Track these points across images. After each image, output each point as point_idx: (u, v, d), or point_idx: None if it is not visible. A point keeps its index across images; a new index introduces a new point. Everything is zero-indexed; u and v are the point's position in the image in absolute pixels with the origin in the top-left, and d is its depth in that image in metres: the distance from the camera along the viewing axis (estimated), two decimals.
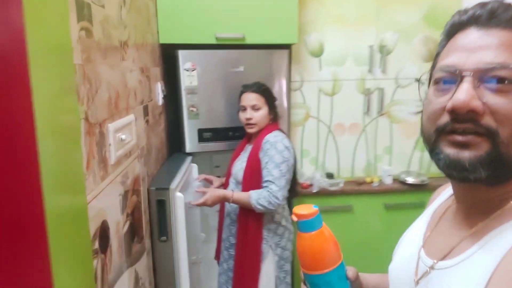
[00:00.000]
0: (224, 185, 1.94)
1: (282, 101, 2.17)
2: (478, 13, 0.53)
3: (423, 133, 0.60)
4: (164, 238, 1.56)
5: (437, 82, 0.56)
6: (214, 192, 1.74)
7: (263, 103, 1.80)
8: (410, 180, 2.42)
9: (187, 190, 1.83)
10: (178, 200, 1.56)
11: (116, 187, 1.12)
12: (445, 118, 0.53)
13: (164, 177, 1.66)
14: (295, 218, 0.67)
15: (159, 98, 1.86)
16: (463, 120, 0.51)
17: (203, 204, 1.72)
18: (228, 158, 2.30)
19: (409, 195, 2.42)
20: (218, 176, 2.07)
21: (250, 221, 1.76)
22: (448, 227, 0.62)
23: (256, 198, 1.68)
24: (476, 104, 0.49)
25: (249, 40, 2.02)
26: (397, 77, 2.40)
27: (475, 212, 0.57)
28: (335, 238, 0.70)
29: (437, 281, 0.57)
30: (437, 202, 0.72)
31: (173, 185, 1.56)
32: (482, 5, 0.53)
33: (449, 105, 0.51)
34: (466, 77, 0.50)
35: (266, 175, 1.70)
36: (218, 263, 1.99)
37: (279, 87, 2.16)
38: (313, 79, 2.36)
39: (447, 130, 0.53)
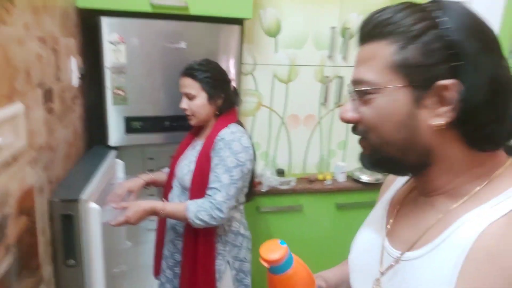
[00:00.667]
0: (166, 189, 1.58)
1: None
2: (358, 27, 0.59)
3: None
4: (72, 261, 1.20)
5: None
6: (138, 206, 1.35)
7: (199, 89, 1.42)
8: (364, 178, 2.25)
9: (108, 194, 1.46)
10: (93, 213, 1.21)
11: None
12: None
13: (75, 183, 1.28)
14: (265, 264, 0.64)
15: (74, 78, 1.45)
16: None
17: (126, 223, 1.34)
18: (164, 152, 1.95)
19: (362, 194, 2.27)
20: (151, 171, 1.69)
21: (201, 235, 1.41)
22: (412, 215, 0.63)
23: (195, 211, 1.34)
24: (347, 116, 0.59)
25: (193, 11, 1.65)
26: None
27: (438, 200, 0.58)
28: (308, 269, 0.69)
29: (406, 272, 0.57)
30: (393, 188, 0.72)
31: (85, 194, 1.19)
32: (365, 16, 0.58)
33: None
34: (349, 93, 0.60)
35: (213, 180, 1.37)
36: (157, 278, 1.64)
37: (228, 70, 1.82)
38: (267, 62, 2.05)
39: None
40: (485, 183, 0.54)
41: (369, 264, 0.66)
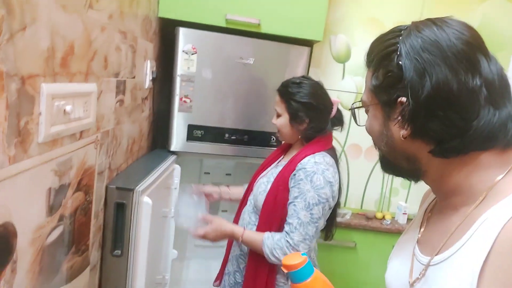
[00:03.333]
0: (241, 203, 1.52)
1: None
2: None
3: None
4: (118, 252, 1.20)
5: None
6: (220, 226, 1.34)
7: (284, 109, 1.35)
8: None
9: (161, 195, 1.48)
10: (145, 207, 1.21)
11: (41, 177, 0.77)
12: None
13: (133, 175, 1.31)
14: (285, 270, 0.69)
15: (146, 79, 1.53)
16: None
17: (203, 238, 1.34)
18: (220, 168, 1.97)
19: None
20: (220, 185, 1.67)
21: (264, 261, 1.31)
22: (438, 222, 0.65)
23: (271, 247, 1.26)
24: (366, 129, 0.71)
25: (265, 29, 1.69)
26: None
27: (458, 203, 0.60)
28: (330, 282, 0.70)
29: (433, 277, 0.59)
30: (427, 202, 0.76)
31: (141, 186, 1.21)
32: None
33: None
34: None
35: (291, 214, 1.26)
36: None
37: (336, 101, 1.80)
38: (333, 88, 2.02)
39: None
40: (500, 178, 0.56)
41: (401, 276, 0.68)
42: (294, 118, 1.35)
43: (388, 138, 0.63)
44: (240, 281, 1.41)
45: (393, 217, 2.14)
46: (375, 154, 2.08)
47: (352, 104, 0.75)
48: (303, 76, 1.41)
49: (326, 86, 1.99)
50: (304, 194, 1.24)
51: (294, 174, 1.28)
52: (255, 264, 1.34)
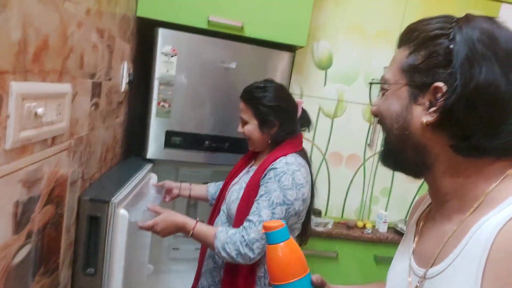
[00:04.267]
0: (213, 212, 1.44)
1: None
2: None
3: None
4: (91, 270, 1.09)
5: None
6: (170, 217, 1.24)
7: (250, 115, 1.31)
8: None
9: (138, 207, 1.37)
10: (121, 220, 1.11)
11: (7, 189, 0.67)
12: None
13: (107, 186, 1.21)
14: (262, 230, 0.73)
15: (123, 82, 1.43)
16: None
17: (151, 229, 1.23)
18: (197, 176, 1.88)
19: None
20: (183, 182, 1.60)
21: (241, 272, 1.24)
22: (431, 231, 0.65)
23: (223, 241, 1.18)
24: (372, 109, 0.68)
25: (248, 32, 1.63)
26: None
27: (452, 211, 0.60)
28: (301, 251, 0.73)
29: None
30: (419, 211, 0.75)
31: (117, 197, 1.11)
32: None
33: None
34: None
35: (253, 211, 1.20)
36: None
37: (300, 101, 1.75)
38: (314, 95, 1.99)
39: None
40: (494, 185, 0.56)
41: (401, 285, 0.67)
42: (264, 123, 1.30)
43: (405, 121, 0.60)
44: None
45: (374, 226, 2.12)
46: (356, 162, 2.08)
47: (372, 79, 0.71)
48: (265, 80, 1.36)
49: (308, 93, 1.98)
50: (269, 193, 1.19)
51: (265, 175, 1.23)
52: (231, 277, 1.26)
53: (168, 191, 1.58)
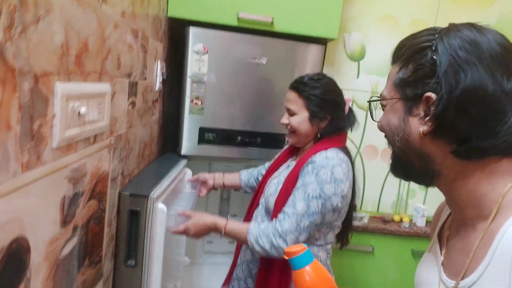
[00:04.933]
0: (252, 205, 1.45)
1: None
2: None
3: None
4: (132, 262, 1.14)
5: None
6: (200, 219, 1.25)
7: (302, 106, 1.27)
8: None
9: (175, 201, 1.41)
10: (159, 214, 1.15)
11: (55, 185, 0.71)
12: None
13: (145, 181, 1.25)
14: (285, 257, 0.71)
15: (157, 81, 1.47)
16: None
17: (183, 233, 1.25)
18: (229, 168, 1.90)
19: None
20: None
21: (277, 266, 1.25)
22: (458, 242, 0.64)
23: (256, 234, 1.18)
24: (378, 125, 0.71)
25: (278, 27, 1.63)
26: None
27: (474, 218, 0.59)
28: (328, 272, 0.71)
29: None
30: (441, 220, 0.74)
31: (155, 192, 1.15)
32: None
33: None
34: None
35: (288, 204, 1.19)
36: None
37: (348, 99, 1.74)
38: (347, 87, 1.96)
39: None
40: (510, 185, 0.56)
41: None
42: (315, 115, 1.27)
43: (404, 133, 0.62)
44: (251, 287, 1.34)
45: (411, 220, 2.07)
46: None
47: (370, 97, 0.74)
48: (318, 73, 1.34)
49: (341, 85, 1.93)
50: (306, 185, 1.17)
51: (303, 168, 1.21)
52: (268, 268, 1.27)
53: (203, 183, 1.61)
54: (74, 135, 0.75)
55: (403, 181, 2.09)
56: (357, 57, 1.94)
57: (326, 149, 1.23)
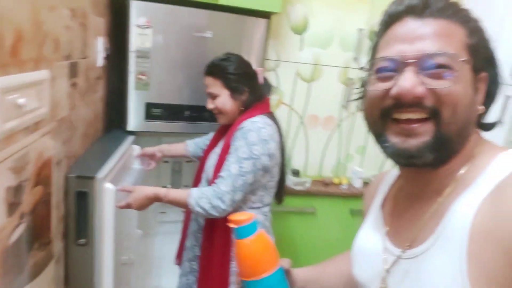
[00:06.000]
0: (195, 182, 1.54)
1: None
2: (414, 3, 0.56)
3: (366, 118, 0.62)
4: (83, 241, 1.17)
5: (379, 71, 0.58)
6: (140, 193, 1.28)
7: (221, 87, 1.38)
8: None
9: (124, 178, 1.44)
10: (107, 194, 1.18)
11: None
12: (389, 101, 0.56)
13: (91, 162, 1.26)
14: (232, 225, 0.68)
15: (99, 58, 1.44)
16: (407, 105, 0.54)
17: (127, 207, 1.29)
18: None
19: None
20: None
21: (219, 232, 1.36)
22: (407, 212, 0.63)
23: (196, 197, 1.27)
24: (420, 90, 0.53)
25: (222, 1, 1.63)
26: None
27: (429, 192, 0.59)
28: (273, 243, 0.70)
29: (415, 270, 0.57)
30: (381, 192, 0.74)
31: (101, 173, 1.17)
32: None
33: (394, 90, 0.54)
34: (409, 66, 0.54)
35: (223, 168, 1.30)
36: (180, 266, 1.60)
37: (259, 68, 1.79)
38: (291, 60, 2.02)
39: (392, 116, 0.56)
40: (467, 164, 0.57)
41: (374, 266, 0.66)
42: (235, 90, 1.38)
43: (473, 106, 0.56)
44: (198, 254, 1.45)
45: (349, 182, 2.24)
46: (332, 123, 2.16)
47: (425, 58, 0.53)
48: (224, 54, 1.43)
49: (285, 58, 2.01)
50: (237, 149, 1.29)
51: (234, 136, 1.32)
52: (211, 234, 1.37)
53: (151, 156, 1.65)
54: (14, 127, 0.76)
55: (342, 146, 2.24)
56: (300, 30, 1.99)
57: (252, 116, 1.34)
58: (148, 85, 1.64)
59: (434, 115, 0.54)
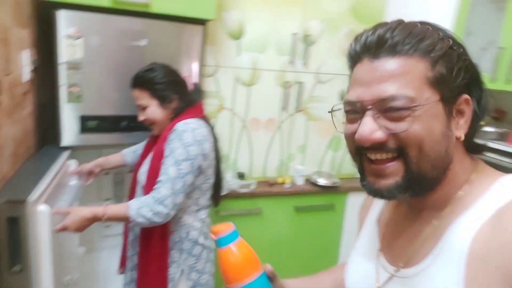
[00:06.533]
0: (130, 195, 1.53)
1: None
2: (369, 40, 0.55)
3: (348, 151, 0.62)
4: (17, 268, 1.13)
5: (346, 112, 0.59)
6: (77, 214, 1.24)
7: (148, 98, 1.39)
8: (322, 181, 2.29)
9: (60, 196, 1.39)
10: (41, 217, 1.14)
11: None
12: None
13: (23, 183, 1.21)
14: (213, 237, 0.71)
15: (25, 72, 1.37)
16: (371, 148, 0.55)
17: (65, 230, 1.24)
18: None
19: (319, 197, 2.31)
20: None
21: (154, 239, 1.36)
22: (403, 231, 0.63)
23: (136, 208, 1.25)
24: (379, 135, 0.54)
25: (156, 9, 1.61)
26: (318, 71, 2.22)
27: (426, 211, 0.60)
28: (252, 249, 0.72)
29: None
30: (376, 208, 0.73)
31: (34, 194, 1.13)
32: (373, 30, 0.56)
33: (356, 136, 0.55)
34: (368, 110, 0.54)
35: (160, 173, 1.29)
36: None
37: (189, 71, 1.79)
38: (229, 65, 2.04)
39: (366, 154, 0.57)
40: (465, 186, 0.57)
41: (366, 280, 0.66)
42: (163, 99, 1.40)
43: (448, 139, 0.55)
44: (136, 263, 1.44)
45: (292, 181, 2.32)
46: (273, 125, 2.22)
47: (381, 102, 0.53)
48: (150, 64, 1.45)
49: (223, 63, 2.03)
50: (173, 151, 1.29)
51: (168, 139, 1.32)
52: (147, 242, 1.38)
53: (89, 173, 1.60)
54: None
55: (284, 147, 2.31)
56: (237, 35, 2.02)
57: (184, 119, 1.35)
58: (81, 97, 1.58)
59: (401, 154, 0.54)
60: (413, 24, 0.55)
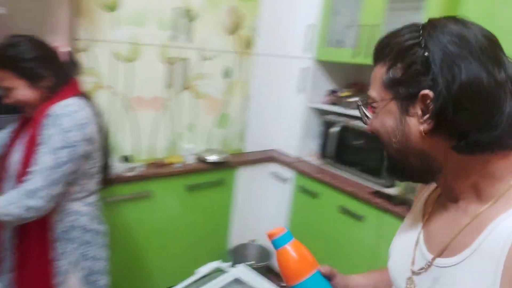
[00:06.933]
0: None
1: None
2: (372, 50, 0.66)
3: None
4: None
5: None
6: None
7: (14, 78, 1.17)
8: (211, 158, 2.31)
9: None
10: None
11: None
12: None
13: None
14: (268, 238, 0.77)
15: None
16: None
17: None
18: None
19: (210, 174, 2.33)
20: None
21: (33, 234, 1.20)
22: (443, 219, 0.65)
23: (3, 206, 1.09)
24: (368, 128, 0.68)
25: None
26: (202, 47, 2.19)
27: (467, 204, 0.61)
28: (307, 249, 0.78)
29: (446, 280, 0.59)
30: (425, 193, 0.76)
31: None
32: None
33: None
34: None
35: (34, 163, 1.14)
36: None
37: (57, 44, 1.59)
38: (105, 39, 1.88)
39: None
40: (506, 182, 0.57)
41: (404, 264, 0.69)
42: (33, 78, 1.19)
43: (403, 134, 0.61)
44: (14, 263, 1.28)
45: (183, 160, 2.29)
46: (159, 104, 2.13)
47: (358, 100, 0.70)
48: (11, 37, 1.22)
49: (99, 37, 1.85)
50: (49, 138, 1.14)
51: (43, 124, 1.17)
52: (23, 238, 1.24)
53: None
54: None
55: (172, 126, 2.25)
56: (112, 7, 1.86)
57: (60, 100, 1.19)
58: None
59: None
60: (390, 33, 0.63)
